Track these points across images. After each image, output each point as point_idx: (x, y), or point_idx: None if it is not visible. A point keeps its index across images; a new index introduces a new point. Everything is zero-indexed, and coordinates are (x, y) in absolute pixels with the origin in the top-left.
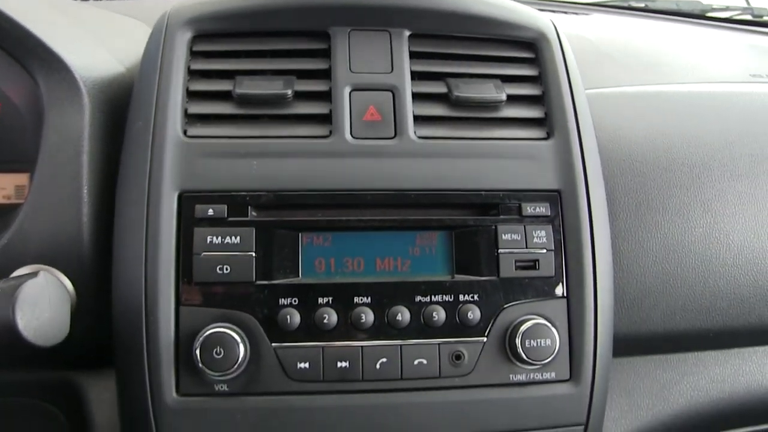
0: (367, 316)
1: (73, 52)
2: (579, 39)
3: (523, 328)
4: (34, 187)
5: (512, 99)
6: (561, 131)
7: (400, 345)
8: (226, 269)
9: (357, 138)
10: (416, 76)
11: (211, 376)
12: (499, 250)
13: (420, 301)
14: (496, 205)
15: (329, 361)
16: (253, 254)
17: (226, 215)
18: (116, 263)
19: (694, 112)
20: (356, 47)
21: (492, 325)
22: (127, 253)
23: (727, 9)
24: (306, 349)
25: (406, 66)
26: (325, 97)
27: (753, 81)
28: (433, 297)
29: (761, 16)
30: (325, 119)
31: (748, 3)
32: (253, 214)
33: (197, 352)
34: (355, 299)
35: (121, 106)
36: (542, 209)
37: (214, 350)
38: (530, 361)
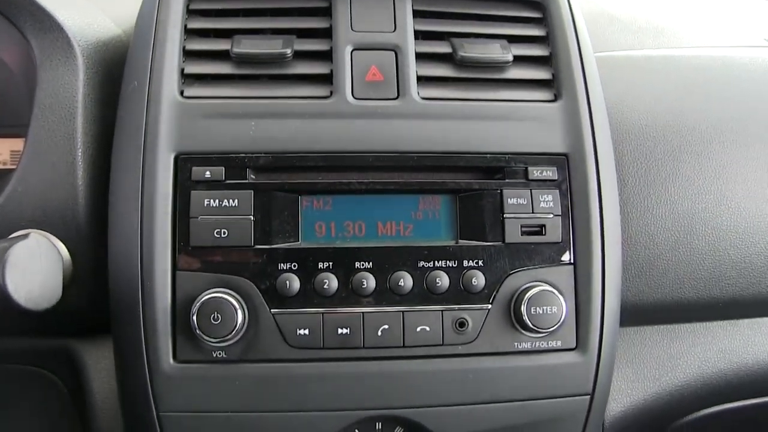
0: (369, 282)
1: (66, 11)
2: (588, 0)
3: (529, 295)
4: (26, 150)
5: (519, 60)
6: (569, 93)
7: (403, 311)
8: (224, 233)
9: (358, 99)
10: (420, 35)
11: (209, 343)
12: (505, 215)
13: (423, 266)
14: (501, 169)
15: (329, 328)
16: (252, 218)
17: (223, 177)
18: (111, 227)
19: (706, 76)
20: (358, 5)
21: (497, 292)
22: (122, 216)
23: None
24: (306, 315)
25: (409, 25)
26: (326, 56)
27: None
28: (436, 262)
29: None
30: (326, 79)
31: None
32: (252, 176)
33: (194, 318)
34: (356, 264)
35: (117, 67)
36: (549, 173)
37: (212, 316)
38: (536, 328)
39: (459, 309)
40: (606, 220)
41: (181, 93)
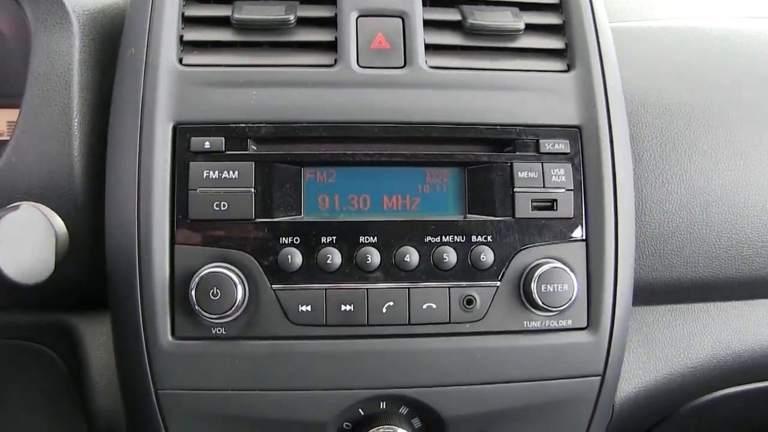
0: (373, 257)
1: None
2: None
3: (539, 272)
4: (21, 119)
5: (531, 28)
6: (583, 63)
7: (408, 288)
8: (224, 206)
9: (364, 67)
10: (428, 1)
11: (208, 319)
12: (515, 189)
13: (430, 241)
14: (512, 141)
15: (332, 305)
16: (253, 190)
17: (223, 148)
18: (108, 199)
19: (725, 48)
20: None
21: (506, 269)
22: (118, 188)
23: None
24: (308, 291)
25: None
26: (330, 23)
27: None
28: (443, 237)
29: None
30: (330, 47)
31: None
32: (253, 147)
33: (193, 293)
34: (361, 239)
35: (114, 35)
36: (561, 146)
37: (211, 291)
38: (546, 307)
39: (467, 286)
40: (620, 196)
41: (180, 61)
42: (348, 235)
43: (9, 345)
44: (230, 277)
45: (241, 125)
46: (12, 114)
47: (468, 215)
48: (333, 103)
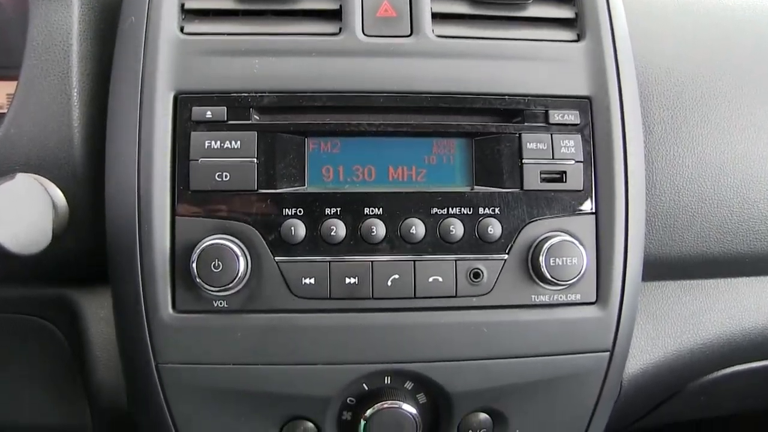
0: (378, 229)
1: None
2: None
3: (548, 245)
4: (19, 90)
5: None
6: (593, 33)
7: (414, 261)
8: (226, 177)
9: (369, 36)
10: None
11: (210, 292)
12: (523, 161)
13: (436, 213)
14: (520, 112)
15: (337, 277)
16: (255, 160)
17: (225, 118)
18: (108, 170)
19: (738, 21)
20: None
21: (514, 242)
22: (118, 159)
23: None
24: (312, 263)
25: None
26: None
27: None
28: (450, 209)
29: None
30: (335, 15)
31: None
32: (255, 117)
33: (194, 265)
34: (366, 210)
35: (114, 4)
36: (571, 117)
37: (212, 263)
38: (554, 280)
39: (474, 259)
40: (630, 168)
41: (181, 29)
42: (352, 206)
43: (10, 320)
44: (232, 249)
45: (243, 95)
46: (11, 86)
47: (475, 187)
48: (337, 72)
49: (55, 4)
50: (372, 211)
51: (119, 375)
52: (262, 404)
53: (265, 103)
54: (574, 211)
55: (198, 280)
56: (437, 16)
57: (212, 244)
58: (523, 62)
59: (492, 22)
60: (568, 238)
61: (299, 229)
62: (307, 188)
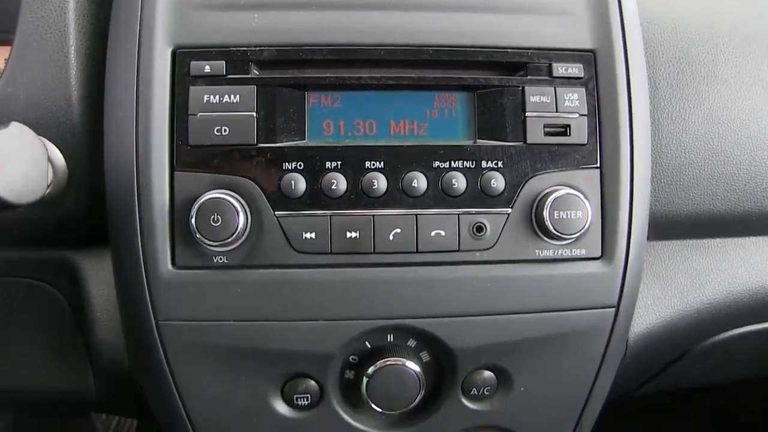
0: (380, 183)
1: None
2: None
3: (552, 198)
4: (15, 49)
5: None
6: None
7: (416, 214)
8: (225, 131)
9: None
10: None
11: (209, 248)
12: (527, 114)
13: (438, 167)
14: (523, 65)
15: (338, 232)
16: (254, 114)
17: (224, 72)
18: (106, 127)
19: None
20: None
21: (517, 196)
22: (117, 115)
23: None
24: (312, 218)
25: None
26: None
27: None
28: (452, 163)
29: None
30: None
31: None
32: (255, 71)
33: (193, 220)
34: (367, 164)
35: None
36: (575, 70)
37: (211, 217)
38: (558, 234)
39: (476, 213)
40: (635, 122)
41: None
42: (353, 160)
43: (11, 282)
44: (231, 203)
45: (242, 49)
46: (8, 52)
47: (478, 140)
48: (338, 25)
49: None
50: (373, 164)
51: (120, 336)
52: (264, 362)
53: (265, 57)
54: (579, 165)
55: (197, 235)
56: None
57: (211, 198)
58: (526, 15)
59: None
60: (572, 191)
61: (299, 183)
62: (308, 142)
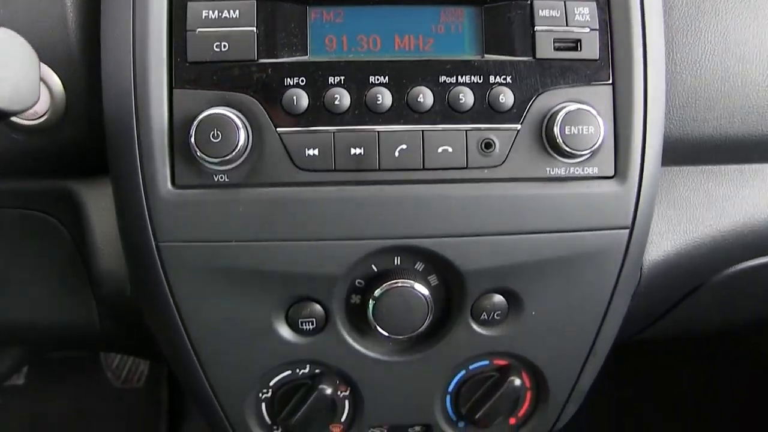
0: (384, 98)
1: None
2: None
3: (563, 113)
4: None
5: None
6: None
7: (422, 130)
8: (224, 46)
9: None
10: None
11: (209, 166)
12: (536, 28)
13: (445, 81)
14: None
15: (341, 148)
16: (254, 30)
17: None
18: (104, 46)
19: None
20: None
21: (527, 111)
22: (114, 33)
23: None
24: (315, 134)
25: None
26: None
27: None
28: (459, 77)
29: None
30: None
31: None
32: None
33: (192, 136)
34: (371, 79)
35: None
36: None
37: (211, 133)
38: (570, 151)
39: (485, 129)
40: (648, 35)
41: None
42: (357, 75)
43: (12, 214)
44: (232, 119)
45: None
46: None
47: (485, 55)
48: None
49: None
50: (377, 79)
51: (122, 265)
52: (267, 284)
53: None
54: (590, 81)
55: (197, 152)
56: None
57: (211, 114)
58: None
59: None
60: (584, 106)
61: (302, 99)
62: (310, 57)
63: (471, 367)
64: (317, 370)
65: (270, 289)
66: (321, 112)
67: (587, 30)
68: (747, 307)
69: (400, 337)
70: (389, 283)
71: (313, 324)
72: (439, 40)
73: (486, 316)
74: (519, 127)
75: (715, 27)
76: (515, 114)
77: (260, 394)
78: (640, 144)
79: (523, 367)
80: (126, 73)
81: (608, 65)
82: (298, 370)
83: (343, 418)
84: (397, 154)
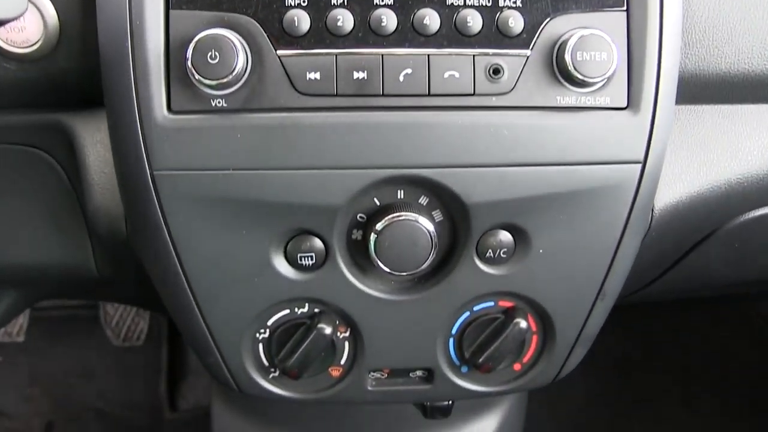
0: (389, 20)
1: None
2: None
3: (575, 39)
4: None
5: None
6: None
7: (428, 54)
8: None
9: None
10: None
11: (207, 89)
12: None
13: (452, 4)
14: None
15: (344, 72)
16: None
17: None
18: None
19: None
20: None
21: (537, 37)
22: None
23: None
24: (317, 57)
25: None
26: None
27: None
28: (467, 0)
29: None
30: None
31: None
32: None
33: (189, 58)
34: (375, 0)
35: None
36: None
37: (209, 54)
38: (581, 78)
39: (493, 54)
40: None
41: None
42: None
43: (4, 150)
44: (230, 40)
45: None
46: None
47: None
48: None
49: None
50: (382, 0)
51: (118, 201)
52: (265, 216)
53: None
54: (604, 7)
55: (194, 73)
56: None
57: (208, 34)
58: None
59: None
60: (597, 32)
61: (303, 20)
62: None
63: (475, 309)
64: (316, 309)
65: (268, 221)
66: (323, 33)
67: None
68: (757, 261)
69: (403, 274)
70: (392, 216)
71: (312, 259)
72: None
73: (492, 254)
74: (529, 52)
75: None
76: (525, 39)
77: (257, 334)
78: (655, 74)
79: (529, 309)
80: None
81: None
82: (296, 309)
83: (343, 361)
84: (401, 79)
